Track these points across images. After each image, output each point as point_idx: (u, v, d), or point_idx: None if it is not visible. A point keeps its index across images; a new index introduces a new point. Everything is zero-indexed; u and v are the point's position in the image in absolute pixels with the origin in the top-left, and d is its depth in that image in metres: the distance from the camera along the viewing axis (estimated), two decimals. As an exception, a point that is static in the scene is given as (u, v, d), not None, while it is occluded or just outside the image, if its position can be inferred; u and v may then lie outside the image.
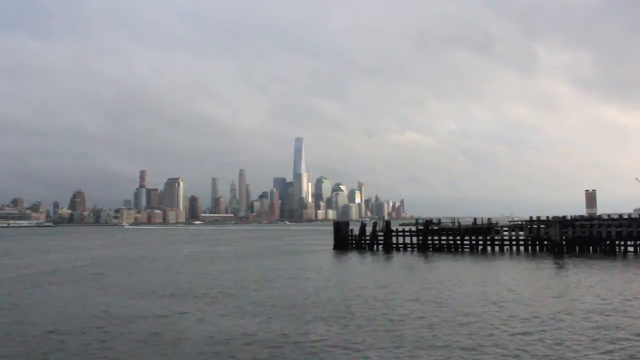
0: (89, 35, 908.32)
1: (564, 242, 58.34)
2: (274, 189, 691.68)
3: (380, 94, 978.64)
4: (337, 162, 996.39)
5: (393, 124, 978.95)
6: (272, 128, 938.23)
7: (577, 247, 58.22)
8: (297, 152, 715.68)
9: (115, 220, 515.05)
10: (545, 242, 59.45)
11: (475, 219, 73.18)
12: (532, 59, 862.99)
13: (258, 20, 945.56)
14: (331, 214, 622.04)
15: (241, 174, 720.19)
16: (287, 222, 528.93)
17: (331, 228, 78.95)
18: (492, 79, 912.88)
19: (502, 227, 67.00)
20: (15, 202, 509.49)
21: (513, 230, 63.83)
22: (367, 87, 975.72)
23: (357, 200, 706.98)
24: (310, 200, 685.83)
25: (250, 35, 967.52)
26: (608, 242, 57.31)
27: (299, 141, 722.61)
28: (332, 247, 72.76)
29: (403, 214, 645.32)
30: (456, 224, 71.04)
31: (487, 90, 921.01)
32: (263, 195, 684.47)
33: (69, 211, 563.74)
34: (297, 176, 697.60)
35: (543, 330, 20.96)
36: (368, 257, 60.74)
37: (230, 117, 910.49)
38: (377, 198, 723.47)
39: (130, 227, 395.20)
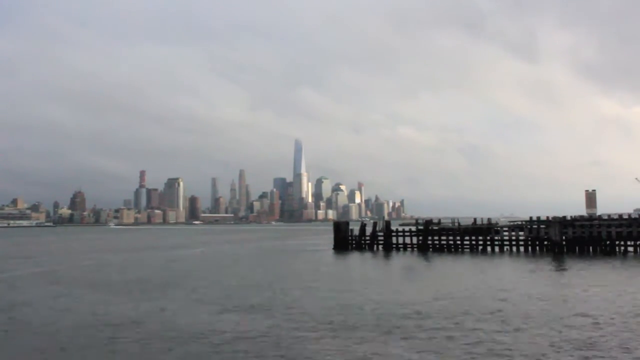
0: (44, 27, 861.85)
1: (564, 242, 58.30)
2: (274, 189, 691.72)
3: (367, 86, 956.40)
4: (334, 161, 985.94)
5: (385, 119, 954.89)
6: (260, 122, 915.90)
7: (577, 247, 58.14)
8: (297, 152, 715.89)
9: (115, 220, 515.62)
10: (545, 242, 59.43)
11: (475, 219, 73.19)
12: (530, 39, 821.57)
13: (243, 16, 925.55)
14: (331, 214, 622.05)
15: (241, 174, 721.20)
16: (279, 223, 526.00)
17: (331, 228, 78.99)
18: (486, 65, 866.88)
19: (502, 227, 67.01)
20: (15, 202, 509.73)
21: (513, 231, 63.84)
22: (355, 79, 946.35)
23: (357, 200, 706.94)
24: (310, 200, 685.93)
25: (226, 28, 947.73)
26: (608, 242, 57.27)
27: (299, 141, 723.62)
28: (332, 247, 72.66)
29: (403, 214, 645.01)
30: (456, 224, 71.08)
31: (483, 80, 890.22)
32: (263, 196, 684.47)
33: (69, 211, 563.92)
34: (297, 176, 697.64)
35: (545, 331, 21.01)
36: (368, 258, 60.77)
37: (230, 116, 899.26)
38: (377, 198, 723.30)
39: (116, 227, 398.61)
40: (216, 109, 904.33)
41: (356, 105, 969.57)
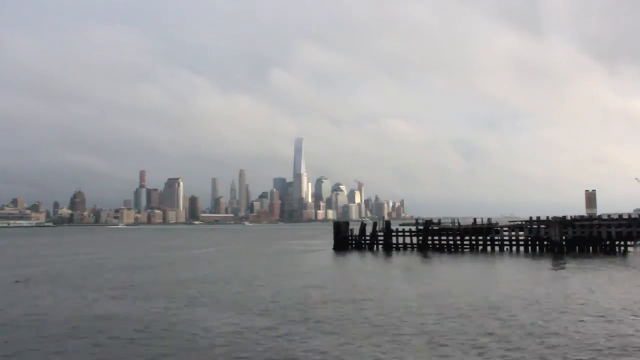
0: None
1: (564, 242, 58.34)
2: (274, 189, 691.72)
3: (345, 71, 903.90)
4: (328, 159, 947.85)
5: (374, 110, 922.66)
6: (239, 111, 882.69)
7: (577, 247, 58.23)
8: (297, 152, 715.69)
9: (115, 221, 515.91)
10: (545, 242, 59.44)
11: (475, 219, 73.19)
12: (531, 6, 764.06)
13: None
14: (331, 214, 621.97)
15: (241, 174, 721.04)
16: (275, 224, 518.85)
17: (330, 228, 78.92)
18: (479, 41, 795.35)
19: (502, 227, 67.03)
20: (15, 202, 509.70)
21: (513, 231, 63.85)
22: (325, 59, 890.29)
23: (357, 200, 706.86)
24: (310, 200, 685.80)
25: (174, 11, 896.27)
26: (608, 242, 57.34)
27: (299, 141, 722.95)
28: (332, 247, 72.57)
29: (403, 214, 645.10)
30: (456, 224, 71.11)
31: (476, 63, 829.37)
32: (263, 196, 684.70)
33: (69, 211, 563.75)
34: (297, 176, 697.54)
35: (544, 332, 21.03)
36: (369, 258, 60.74)
37: (205, 107, 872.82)
38: (377, 198, 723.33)
39: (124, 227, 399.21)
40: (188, 100, 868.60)
41: (338, 93, 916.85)
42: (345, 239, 72.86)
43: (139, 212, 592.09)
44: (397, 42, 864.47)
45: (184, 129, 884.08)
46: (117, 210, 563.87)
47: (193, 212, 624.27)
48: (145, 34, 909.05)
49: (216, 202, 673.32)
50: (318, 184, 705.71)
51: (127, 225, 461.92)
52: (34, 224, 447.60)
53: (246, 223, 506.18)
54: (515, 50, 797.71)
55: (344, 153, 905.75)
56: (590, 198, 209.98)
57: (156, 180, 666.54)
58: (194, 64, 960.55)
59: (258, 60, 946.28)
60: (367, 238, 71.38)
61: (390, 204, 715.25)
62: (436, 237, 66.00)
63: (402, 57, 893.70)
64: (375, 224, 73.97)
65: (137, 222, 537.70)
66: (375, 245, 69.73)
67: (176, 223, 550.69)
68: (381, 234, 70.21)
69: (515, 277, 39.59)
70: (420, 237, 66.81)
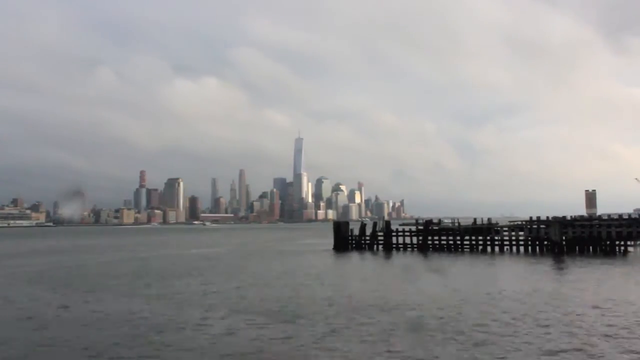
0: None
1: (564, 242, 58.29)
2: (274, 189, 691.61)
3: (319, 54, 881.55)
4: (323, 156, 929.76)
5: (362, 105, 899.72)
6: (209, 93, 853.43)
7: (577, 247, 58.17)
8: (297, 152, 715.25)
9: (115, 221, 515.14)
10: (545, 242, 59.40)
11: (475, 219, 73.12)
12: None
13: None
14: (331, 214, 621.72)
15: (241, 174, 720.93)
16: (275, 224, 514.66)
17: (330, 228, 78.84)
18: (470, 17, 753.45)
19: (502, 227, 66.99)
20: (15, 202, 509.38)
21: (513, 231, 63.81)
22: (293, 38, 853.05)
23: (357, 200, 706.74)
24: (310, 200, 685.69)
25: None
26: (608, 242, 57.28)
27: (299, 141, 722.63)
28: (332, 247, 72.53)
29: (403, 214, 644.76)
30: (456, 224, 71.08)
31: (461, 39, 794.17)
32: (263, 196, 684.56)
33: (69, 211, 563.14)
34: (297, 176, 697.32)
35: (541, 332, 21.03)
36: (369, 258, 60.72)
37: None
38: (377, 198, 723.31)
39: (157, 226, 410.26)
40: (161, 90, 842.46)
41: (322, 84, 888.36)
42: (346, 239, 72.80)
43: (138, 212, 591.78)
44: (370, 15, 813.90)
45: (173, 126, 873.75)
46: (117, 210, 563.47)
47: (193, 212, 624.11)
48: (87, 15, 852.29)
49: (216, 202, 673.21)
50: (318, 184, 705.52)
51: (158, 224, 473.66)
52: (34, 224, 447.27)
53: (207, 223, 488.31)
54: (508, 25, 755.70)
55: (340, 151, 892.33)
56: (590, 198, 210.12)
57: (156, 181, 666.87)
58: (151, 48, 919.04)
59: (214, 41, 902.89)
60: (367, 238, 71.32)
61: (390, 204, 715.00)
62: (436, 237, 65.98)
63: (380, 35, 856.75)
64: (375, 224, 73.93)
65: (137, 222, 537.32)
66: (375, 245, 69.68)
67: (176, 223, 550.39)
68: (381, 234, 70.15)
69: (515, 276, 39.61)
70: (420, 237, 66.78)
